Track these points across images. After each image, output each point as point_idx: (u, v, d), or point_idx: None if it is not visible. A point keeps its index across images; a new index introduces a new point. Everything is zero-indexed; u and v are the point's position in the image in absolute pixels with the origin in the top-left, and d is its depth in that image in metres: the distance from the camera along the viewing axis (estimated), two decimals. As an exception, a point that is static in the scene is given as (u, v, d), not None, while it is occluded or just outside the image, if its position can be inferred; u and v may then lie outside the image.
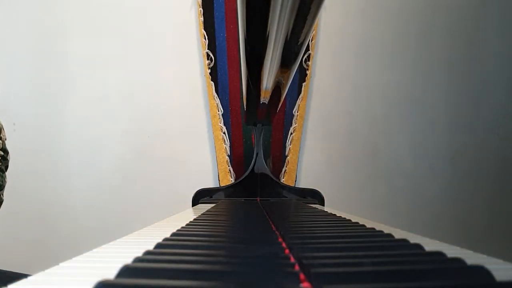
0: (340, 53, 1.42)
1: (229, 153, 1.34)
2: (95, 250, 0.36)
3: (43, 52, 1.39)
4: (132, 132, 1.38)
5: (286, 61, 0.56)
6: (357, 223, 0.49)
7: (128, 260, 0.27)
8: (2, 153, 0.65)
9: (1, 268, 0.62)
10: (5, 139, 0.63)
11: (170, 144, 1.38)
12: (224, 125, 1.35)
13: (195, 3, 1.37)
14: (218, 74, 1.35)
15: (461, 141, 1.44)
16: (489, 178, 1.44)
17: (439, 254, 0.29)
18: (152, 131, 1.39)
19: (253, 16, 0.44)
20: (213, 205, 0.86)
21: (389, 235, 0.39)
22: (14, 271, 0.56)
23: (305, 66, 1.36)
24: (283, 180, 1.34)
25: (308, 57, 1.36)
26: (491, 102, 1.45)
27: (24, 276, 0.25)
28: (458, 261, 0.27)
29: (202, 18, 1.35)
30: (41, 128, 1.37)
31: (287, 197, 1.10)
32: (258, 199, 1.09)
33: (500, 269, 0.26)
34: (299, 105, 1.36)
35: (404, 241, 0.36)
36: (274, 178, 1.12)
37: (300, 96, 1.36)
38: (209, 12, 1.35)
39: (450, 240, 0.41)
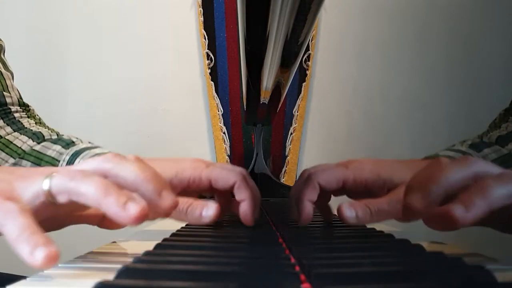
0: (340, 53, 1.42)
1: (229, 153, 1.34)
2: (94, 250, 0.36)
3: (42, 52, 1.38)
4: (132, 132, 1.38)
5: (286, 61, 0.56)
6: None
7: (128, 260, 0.27)
8: None
9: None
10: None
11: (170, 144, 1.38)
12: (224, 125, 1.35)
13: (195, 3, 1.37)
14: (218, 74, 1.35)
15: (461, 141, 1.43)
16: (489, 178, 1.44)
17: (440, 255, 0.29)
18: (151, 131, 1.38)
19: (253, 16, 0.44)
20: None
21: (390, 235, 0.39)
22: (11, 273, 0.56)
23: (305, 66, 1.36)
24: (283, 180, 1.34)
25: (308, 57, 1.36)
26: (491, 102, 1.45)
27: (22, 278, 0.25)
28: (459, 261, 0.27)
29: (202, 18, 1.35)
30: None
31: (287, 197, 1.10)
32: (258, 199, 1.09)
33: (501, 270, 0.26)
34: (299, 105, 1.36)
35: (405, 241, 0.36)
36: (274, 178, 1.12)
37: (300, 96, 1.36)
38: (209, 12, 1.35)
39: (451, 240, 0.41)
